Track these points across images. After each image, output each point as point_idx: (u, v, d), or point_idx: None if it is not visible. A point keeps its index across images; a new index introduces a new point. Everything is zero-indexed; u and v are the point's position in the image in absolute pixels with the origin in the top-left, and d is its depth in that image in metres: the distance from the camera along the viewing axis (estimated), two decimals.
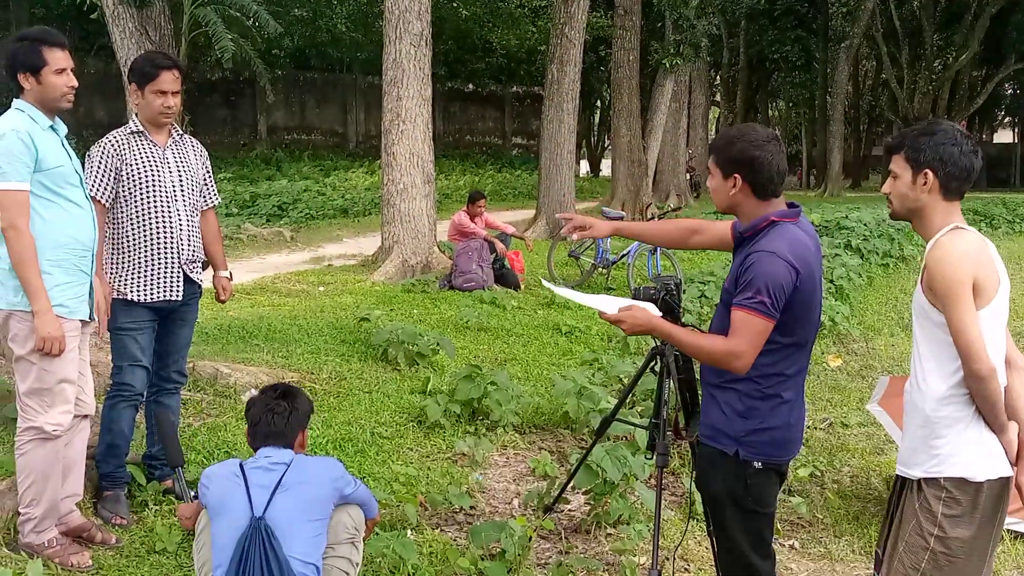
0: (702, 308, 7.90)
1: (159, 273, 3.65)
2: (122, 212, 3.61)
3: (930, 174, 2.39)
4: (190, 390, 4.96)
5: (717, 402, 2.61)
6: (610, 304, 2.73)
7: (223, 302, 4.13)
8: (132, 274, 3.63)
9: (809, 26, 29.60)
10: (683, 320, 2.92)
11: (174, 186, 3.68)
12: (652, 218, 10.02)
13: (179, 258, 3.69)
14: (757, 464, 2.55)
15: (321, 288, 9.23)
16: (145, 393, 3.79)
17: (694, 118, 25.32)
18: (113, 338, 3.69)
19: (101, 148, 3.61)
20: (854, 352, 7.59)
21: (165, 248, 3.65)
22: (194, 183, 3.79)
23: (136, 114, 3.70)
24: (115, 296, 3.61)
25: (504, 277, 9.47)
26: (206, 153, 3.98)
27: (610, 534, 3.90)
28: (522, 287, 9.50)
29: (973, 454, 2.36)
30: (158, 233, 3.64)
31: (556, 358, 6.71)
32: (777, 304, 2.41)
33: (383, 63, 10.06)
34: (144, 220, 3.62)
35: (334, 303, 8.23)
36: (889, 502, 2.65)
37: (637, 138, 18.11)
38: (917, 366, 2.46)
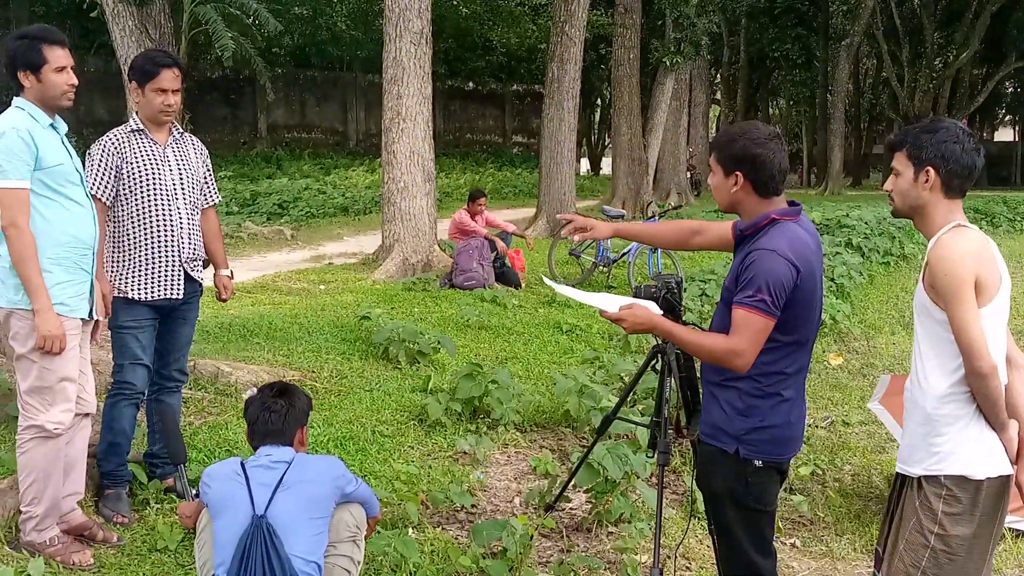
0: (703, 306, 7.90)
1: (160, 271, 3.65)
2: (123, 210, 3.61)
3: (932, 171, 2.38)
4: (191, 388, 4.97)
5: (718, 400, 2.60)
6: (611, 302, 2.73)
7: (224, 300, 4.13)
8: (133, 272, 3.62)
9: (810, 24, 29.62)
10: (684, 318, 2.92)
11: (174, 184, 3.68)
12: (652, 216, 10.01)
13: (180, 256, 3.69)
14: (757, 462, 2.55)
15: (322, 286, 9.23)
16: (146, 391, 3.79)
17: (695, 116, 25.28)
18: (114, 336, 3.69)
19: (101, 146, 3.60)
20: (855, 350, 7.59)
21: (166, 246, 3.65)
22: (194, 181, 3.78)
23: (136, 112, 3.70)
24: (116, 294, 3.61)
25: (505, 275, 9.46)
26: (206, 151, 3.97)
27: (611, 532, 3.90)
28: (523, 285, 9.49)
29: (974, 452, 2.36)
30: (159, 231, 3.63)
31: (557, 356, 6.71)
32: (778, 302, 2.41)
33: (383, 61, 10.05)
34: (145, 218, 3.61)
35: (335, 301, 8.22)
36: (889, 500, 2.64)
37: (638, 136, 18.12)
38: (918, 364, 2.46)
